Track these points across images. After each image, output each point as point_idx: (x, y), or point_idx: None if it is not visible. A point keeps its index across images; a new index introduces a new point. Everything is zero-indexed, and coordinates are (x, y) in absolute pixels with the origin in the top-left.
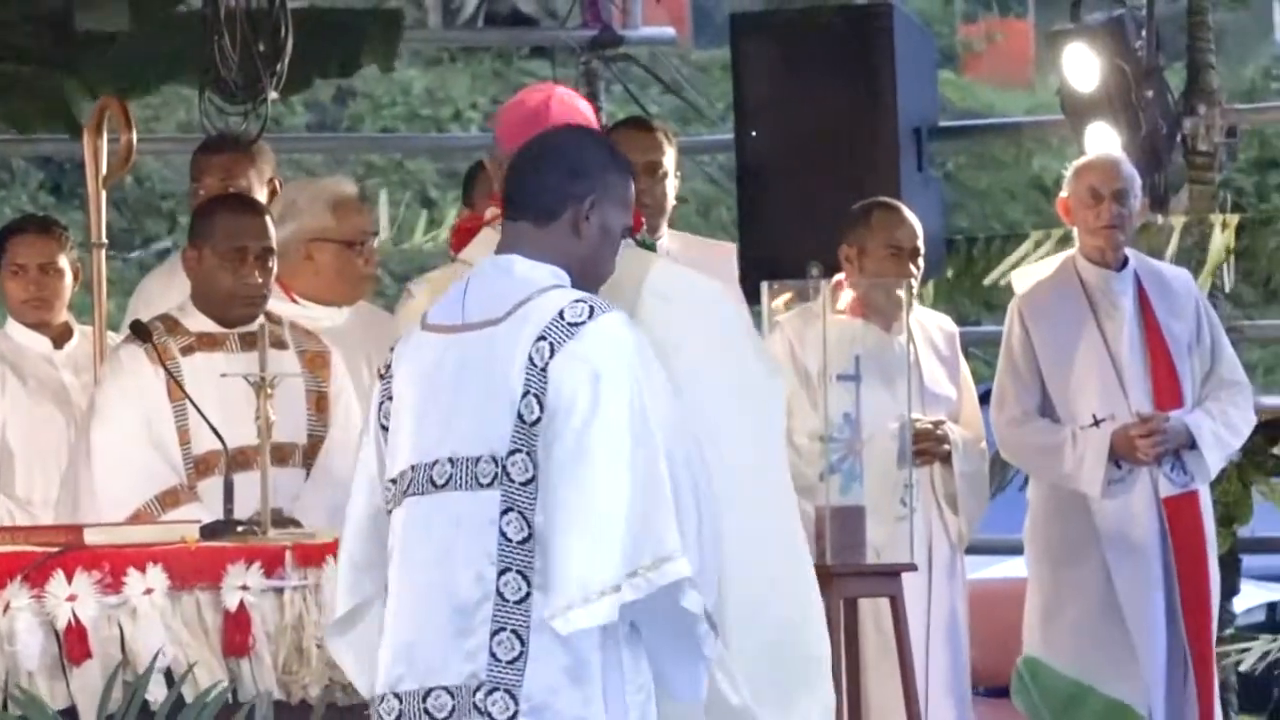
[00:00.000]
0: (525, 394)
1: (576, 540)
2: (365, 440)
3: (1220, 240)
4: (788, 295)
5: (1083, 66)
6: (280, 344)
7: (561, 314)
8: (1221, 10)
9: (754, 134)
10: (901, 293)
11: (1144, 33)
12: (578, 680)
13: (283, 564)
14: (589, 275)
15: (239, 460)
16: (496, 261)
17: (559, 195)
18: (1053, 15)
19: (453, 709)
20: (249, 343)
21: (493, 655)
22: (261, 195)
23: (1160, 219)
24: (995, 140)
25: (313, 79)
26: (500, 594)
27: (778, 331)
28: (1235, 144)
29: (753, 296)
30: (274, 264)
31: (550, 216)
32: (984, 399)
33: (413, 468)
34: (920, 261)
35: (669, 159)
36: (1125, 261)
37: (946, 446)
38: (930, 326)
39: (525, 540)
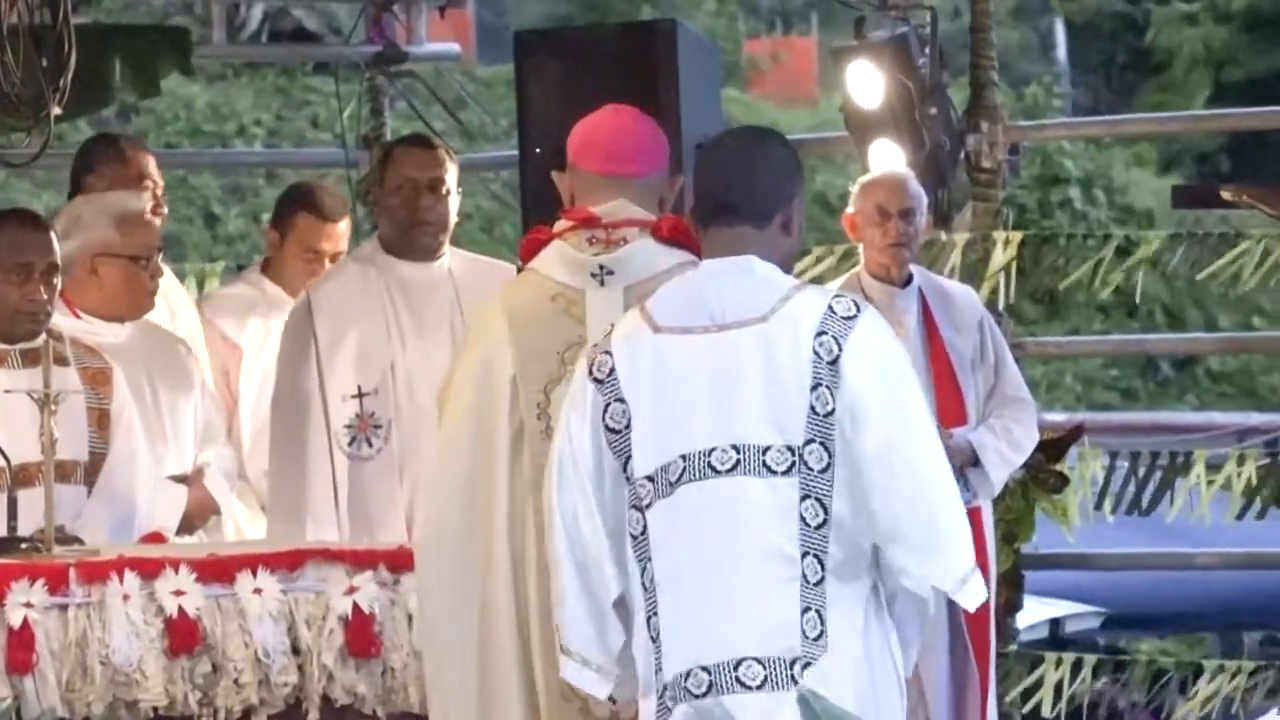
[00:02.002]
0: (816, 386)
1: (945, 521)
2: (581, 446)
3: (1001, 257)
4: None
5: (866, 83)
6: (62, 360)
7: (832, 309)
8: (1004, 28)
9: (538, 151)
10: None
11: (927, 50)
12: (861, 644)
13: (67, 581)
14: (789, 269)
15: (21, 477)
16: (729, 264)
17: (773, 197)
18: (837, 32)
19: (765, 678)
20: (31, 359)
21: (803, 633)
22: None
23: (944, 236)
24: None
25: (110, 97)
26: (805, 576)
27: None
28: (1017, 161)
29: None
30: (59, 280)
31: (767, 218)
32: None
33: (683, 456)
34: None
35: (451, 176)
36: (910, 278)
37: None
38: None
39: (821, 525)
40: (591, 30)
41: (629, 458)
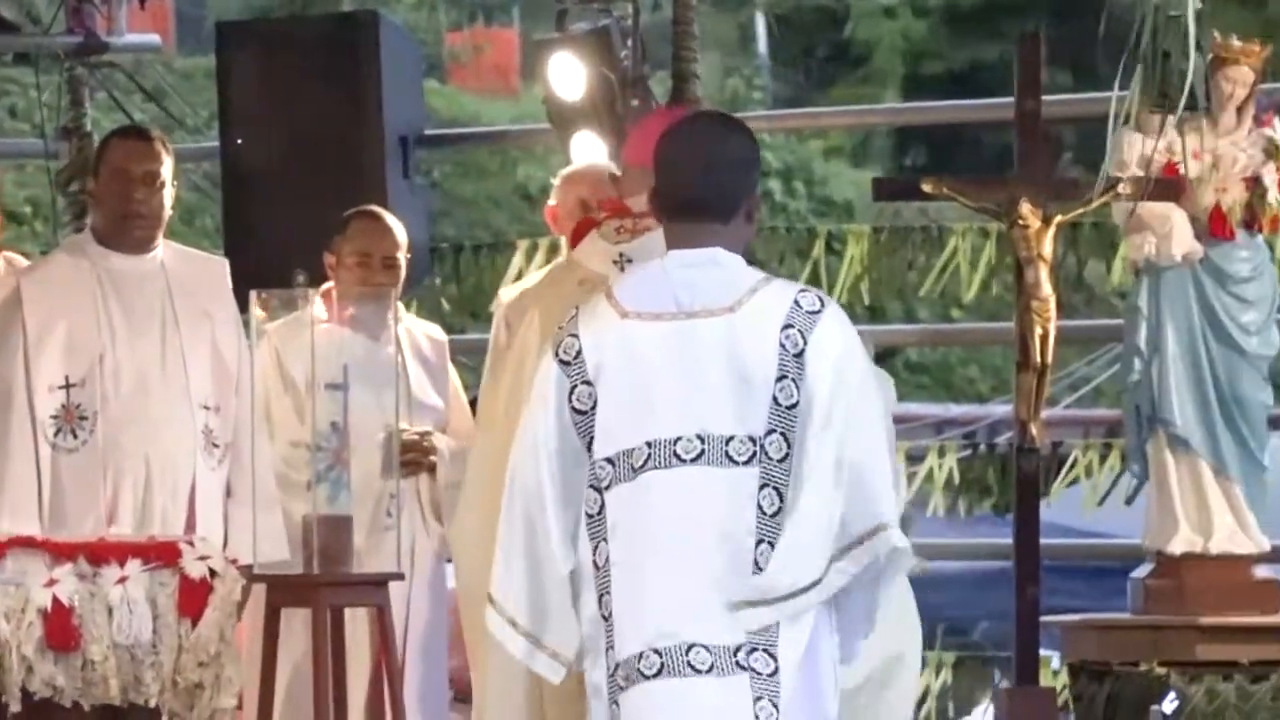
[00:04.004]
0: (781, 378)
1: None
2: (544, 426)
3: None
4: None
5: (568, 75)
6: None
7: (798, 303)
8: (706, 20)
9: (240, 142)
10: (390, 301)
11: (629, 42)
12: (815, 625)
13: None
14: (748, 256)
15: None
16: (697, 255)
17: (737, 191)
18: (538, 24)
19: (711, 665)
20: None
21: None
22: None
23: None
24: (481, 148)
25: None
26: (756, 563)
27: (265, 341)
28: None
29: (242, 305)
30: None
31: (733, 212)
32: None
33: (648, 443)
34: (397, 271)
35: (166, 168)
36: None
37: (433, 457)
38: (418, 335)
39: (777, 514)
40: (293, 22)
41: (593, 438)
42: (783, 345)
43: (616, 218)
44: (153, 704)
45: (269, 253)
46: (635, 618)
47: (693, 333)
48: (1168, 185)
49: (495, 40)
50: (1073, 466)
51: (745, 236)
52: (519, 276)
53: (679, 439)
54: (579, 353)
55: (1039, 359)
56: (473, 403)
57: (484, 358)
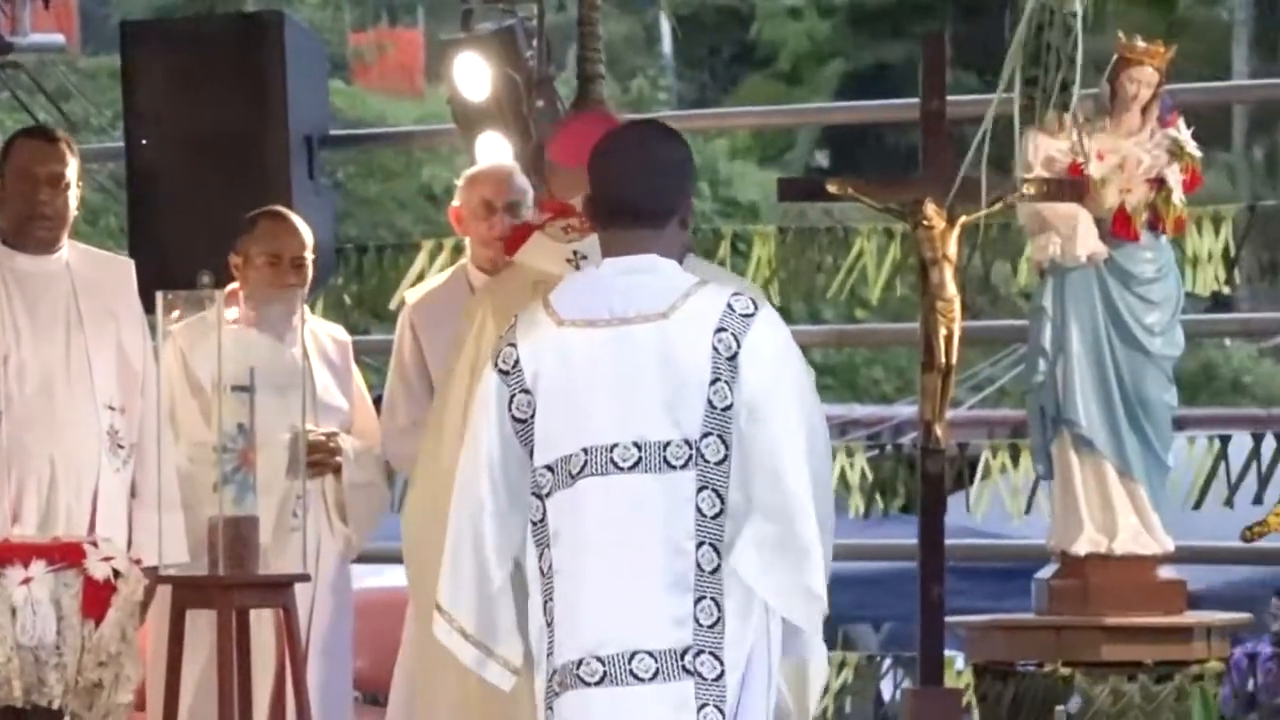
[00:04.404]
0: (715, 381)
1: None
2: (486, 435)
3: None
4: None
5: (473, 76)
6: None
7: (731, 307)
8: (611, 21)
9: (144, 142)
10: (295, 303)
11: (534, 43)
12: (754, 627)
13: None
14: (682, 259)
15: None
16: (631, 262)
17: (672, 198)
18: (443, 24)
19: (656, 671)
20: None
21: (697, 621)
22: None
23: None
24: (385, 149)
25: None
26: (699, 565)
27: (170, 342)
28: None
29: (147, 306)
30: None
31: (667, 218)
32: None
33: (585, 450)
34: (305, 271)
35: (72, 170)
36: None
37: (339, 458)
38: (323, 336)
39: (717, 515)
40: (198, 21)
41: (534, 446)
42: (716, 349)
43: (562, 217)
44: (56, 705)
45: (174, 253)
46: (575, 624)
47: (628, 339)
48: (1072, 186)
49: (400, 40)
50: (988, 472)
51: (680, 242)
52: (422, 277)
53: (615, 446)
54: (517, 361)
55: (944, 360)
56: (377, 402)
57: (388, 358)
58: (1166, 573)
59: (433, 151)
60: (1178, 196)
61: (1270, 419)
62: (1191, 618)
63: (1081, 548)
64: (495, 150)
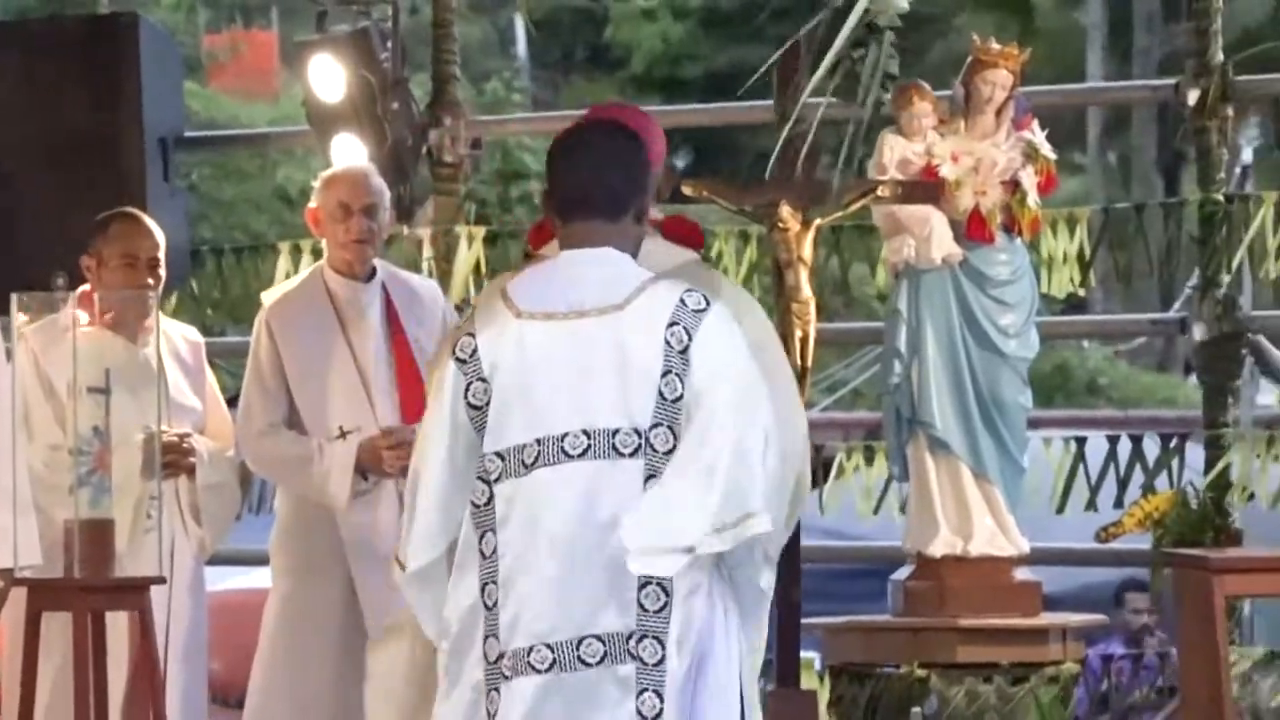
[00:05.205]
0: (666, 373)
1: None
2: (438, 419)
3: (469, 252)
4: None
5: (328, 77)
6: None
7: (684, 302)
8: (465, 23)
9: None
10: (149, 304)
11: (389, 44)
12: (705, 605)
13: None
14: (636, 253)
15: None
16: (588, 255)
17: (628, 192)
18: (297, 26)
19: (604, 654)
20: None
21: (641, 606)
22: None
23: (406, 230)
24: (240, 151)
25: None
26: None
27: (22, 344)
28: (479, 156)
29: (0, 308)
30: None
31: (622, 212)
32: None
33: (538, 440)
34: (160, 272)
35: None
36: (374, 272)
37: (192, 459)
38: (175, 337)
39: None
40: (52, 22)
41: (485, 433)
42: (668, 342)
43: None
44: None
45: (26, 255)
46: (524, 611)
47: (582, 331)
48: (927, 188)
49: (254, 42)
50: (841, 471)
51: (635, 236)
52: (287, 278)
53: (566, 434)
54: (474, 351)
55: (799, 361)
56: (230, 401)
57: (244, 360)
58: (1022, 574)
59: (288, 153)
60: (1033, 199)
61: (1126, 420)
62: (1047, 619)
63: (937, 549)
64: (351, 152)
